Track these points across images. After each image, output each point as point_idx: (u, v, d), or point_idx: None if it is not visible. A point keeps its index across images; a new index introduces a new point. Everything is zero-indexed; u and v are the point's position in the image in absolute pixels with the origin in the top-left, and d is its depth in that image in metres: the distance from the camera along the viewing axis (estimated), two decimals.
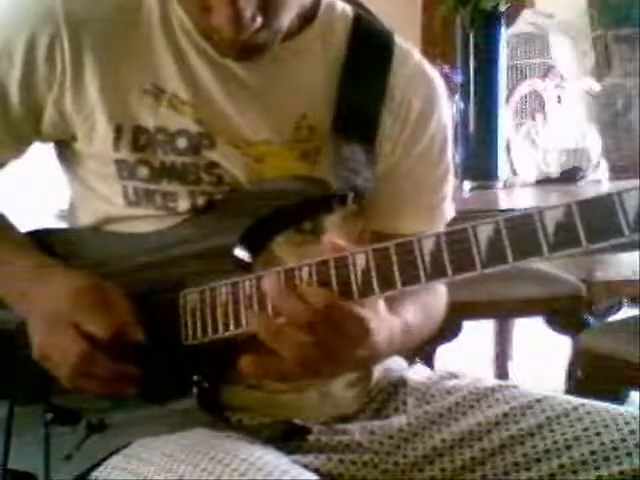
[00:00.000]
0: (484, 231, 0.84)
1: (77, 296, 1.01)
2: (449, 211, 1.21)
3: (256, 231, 1.03)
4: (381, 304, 0.93)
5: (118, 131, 1.06)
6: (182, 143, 1.06)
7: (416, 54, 1.17)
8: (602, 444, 1.03)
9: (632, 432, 1.03)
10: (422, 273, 0.87)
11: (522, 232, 0.82)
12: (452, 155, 1.22)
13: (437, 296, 1.20)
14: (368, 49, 1.12)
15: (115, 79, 1.05)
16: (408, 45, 1.17)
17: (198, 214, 1.07)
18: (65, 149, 1.13)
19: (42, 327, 1.02)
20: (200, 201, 1.07)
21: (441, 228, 1.17)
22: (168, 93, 1.06)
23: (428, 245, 0.87)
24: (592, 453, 1.03)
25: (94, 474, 1.00)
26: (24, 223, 1.16)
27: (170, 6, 1.06)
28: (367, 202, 1.14)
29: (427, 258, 0.87)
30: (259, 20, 0.95)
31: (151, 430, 1.00)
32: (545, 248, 0.81)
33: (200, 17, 0.98)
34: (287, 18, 0.99)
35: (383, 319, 0.93)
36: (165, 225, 1.07)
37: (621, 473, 1.01)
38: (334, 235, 1.07)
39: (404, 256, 0.88)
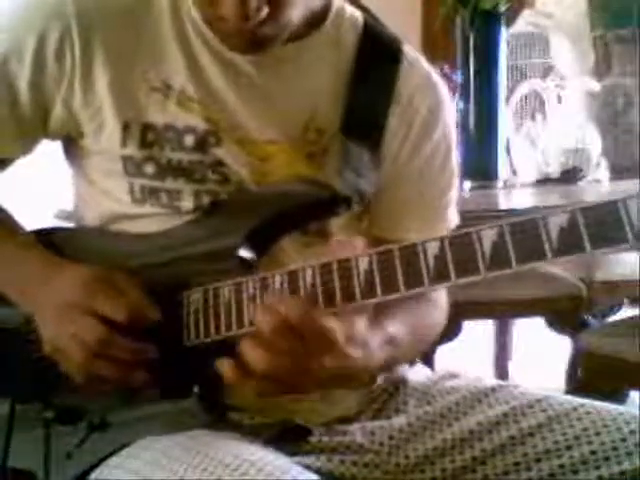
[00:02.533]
0: (488, 236, 0.84)
1: (88, 284, 1.01)
2: (453, 218, 1.21)
3: (261, 232, 1.03)
4: (362, 318, 0.92)
5: (126, 128, 1.06)
6: (189, 140, 1.06)
7: (423, 62, 1.18)
8: (602, 444, 1.04)
9: (632, 432, 1.04)
10: (425, 277, 0.87)
11: (526, 237, 0.82)
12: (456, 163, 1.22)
13: (433, 308, 1.18)
14: (377, 55, 1.13)
15: (124, 76, 1.06)
16: (416, 53, 1.18)
17: (203, 214, 1.07)
18: (72, 146, 1.13)
19: (54, 319, 1.02)
20: (205, 200, 1.07)
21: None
22: (176, 90, 1.06)
23: (432, 249, 0.87)
24: (592, 453, 1.04)
25: (94, 473, 1.00)
26: (24, 223, 1.16)
27: (180, 1, 1.07)
28: (371, 208, 1.14)
29: (431, 262, 0.87)
30: (265, 10, 0.95)
31: (152, 430, 1.00)
32: (549, 253, 0.81)
33: (207, 7, 0.99)
34: (294, 13, 1.00)
35: (360, 333, 0.92)
36: (170, 224, 1.07)
37: (621, 473, 1.01)
38: (342, 238, 1.08)
39: (408, 259, 0.88)
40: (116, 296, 1.00)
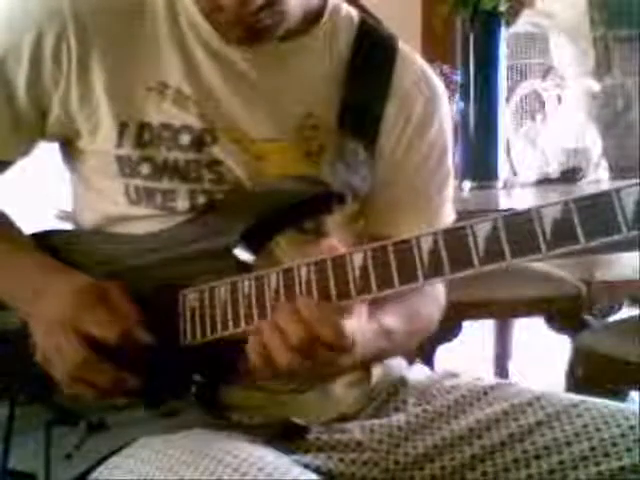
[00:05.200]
0: (482, 229, 0.84)
1: (79, 299, 1.01)
2: (449, 216, 1.21)
3: (256, 231, 1.03)
4: (363, 310, 0.93)
5: (122, 127, 1.06)
6: (185, 139, 1.07)
7: (419, 59, 1.19)
8: (602, 440, 1.03)
9: (631, 428, 1.03)
10: (420, 271, 0.87)
11: (520, 230, 0.82)
12: (452, 159, 1.22)
13: (429, 301, 1.18)
14: (372, 52, 1.14)
15: (121, 76, 1.06)
16: (411, 50, 1.18)
17: (198, 214, 1.07)
18: (68, 147, 1.13)
19: (43, 330, 1.02)
20: (200, 200, 1.07)
21: None
22: (172, 89, 1.07)
23: (426, 243, 0.87)
24: (592, 449, 1.03)
25: (94, 474, 1.00)
26: (24, 223, 1.16)
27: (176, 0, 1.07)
28: (367, 205, 1.14)
29: (425, 256, 0.87)
30: None
31: (151, 430, 1.00)
32: (543, 246, 0.81)
33: None
34: (292, 2, 1.00)
35: (361, 327, 0.93)
36: (166, 225, 1.07)
37: (621, 469, 1.01)
38: (335, 237, 1.08)
39: (402, 254, 0.88)
40: (106, 315, 0.99)
